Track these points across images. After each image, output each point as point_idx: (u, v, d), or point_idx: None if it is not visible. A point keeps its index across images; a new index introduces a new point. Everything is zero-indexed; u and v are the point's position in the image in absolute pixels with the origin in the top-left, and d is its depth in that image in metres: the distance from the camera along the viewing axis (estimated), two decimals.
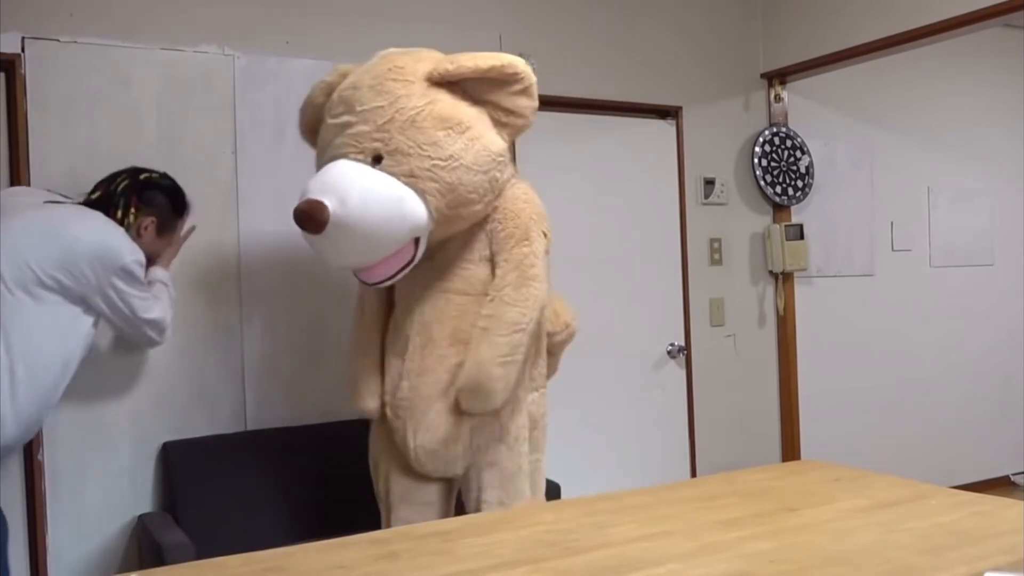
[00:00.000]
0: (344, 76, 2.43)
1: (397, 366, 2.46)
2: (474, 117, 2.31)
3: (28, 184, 2.75)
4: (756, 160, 4.25)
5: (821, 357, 4.47)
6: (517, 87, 2.33)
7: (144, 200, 2.58)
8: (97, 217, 2.46)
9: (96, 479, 2.85)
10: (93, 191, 2.58)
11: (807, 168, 4.39)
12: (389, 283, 2.39)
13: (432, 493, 2.55)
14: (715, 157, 4.18)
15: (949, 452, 4.88)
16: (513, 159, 3.63)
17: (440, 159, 2.24)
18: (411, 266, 2.35)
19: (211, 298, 3.04)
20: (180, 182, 2.84)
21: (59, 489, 2.80)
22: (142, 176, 2.62)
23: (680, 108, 4.07)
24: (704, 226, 4.15)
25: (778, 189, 4.30)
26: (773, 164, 4.29)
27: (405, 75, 2.28)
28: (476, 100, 2.32)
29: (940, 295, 4.95)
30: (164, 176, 2.68)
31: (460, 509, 2.60)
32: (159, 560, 2.43)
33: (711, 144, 4.16)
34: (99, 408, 2.86)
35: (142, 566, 2.74)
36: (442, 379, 2.38)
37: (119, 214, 2.53)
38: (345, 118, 2.30)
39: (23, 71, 2.77)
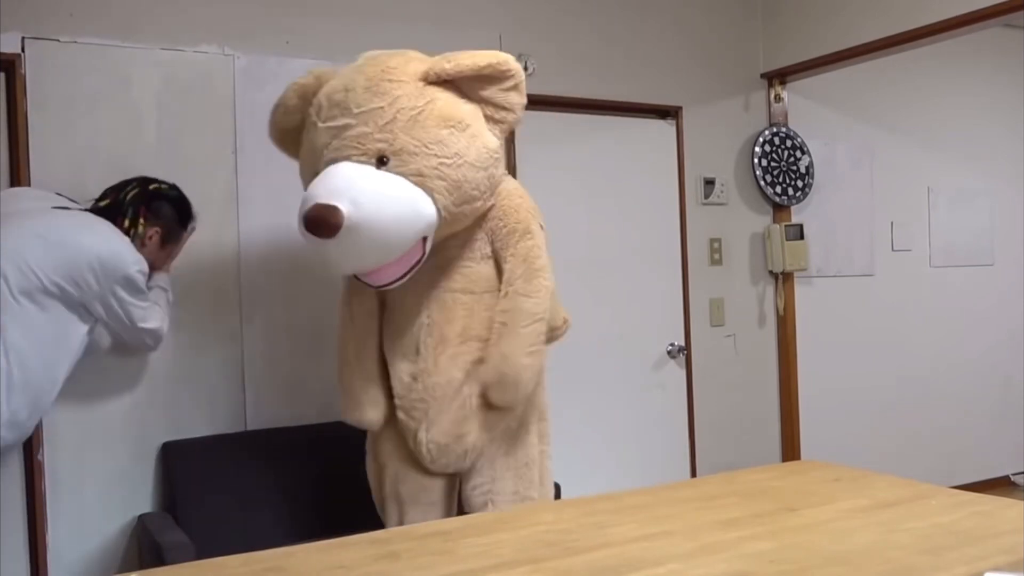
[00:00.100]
0: (319, 79, 2.39)
1: (407, 369, 2.46)
2: (471, 114, 2.32)
3: (28, 184, 2.75)
4: (756, 160, 4.25)
5: (821, 357, 4.47)
6: (509, 83, 2.34)
7: (152, 210, 2.60)
8: (104, 226, 2.47)
9: (96, 479, 2.85)
10: (102, 198, 2.59)
11: (807, 168, 4.39)
12: (397, 285, 2.36)
13: (437, 492, 2.56)
14: (715, 157, 4.18)
15: (949, 452, 4.88)
16: (512, 159, 3.66)
17: (446, 157, 2.24)
18: (419, 265, 2.35)
19: (211, 298, 3.04)
20: (180, 182, 2.85)
21: (59, 489, 2.80)
22: (151, 186, 2.64)
23: (680, 108, 4.07)
24: (704, 226, 4.15)
25: (778, 189, 4.30)
26: (773, 164, 4.29)
27: (399, 75, 2.27)
28: (470, 98, 2.33)
29: (940, 295, 4.95)
30: (173, 187, 2.70)
31: (460, 507, 2.60)
32: (159, 560, 2.43)
33: (711, 144, 4.16)
34: (99, 408, 2.86)
35: (142, 566, 2.74)
36: (456, 377, 2.42)
37: (126, 223, 2.55)
38: (342, 120, 2.26)
39: (23, 71, 2.77)
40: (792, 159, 4.34)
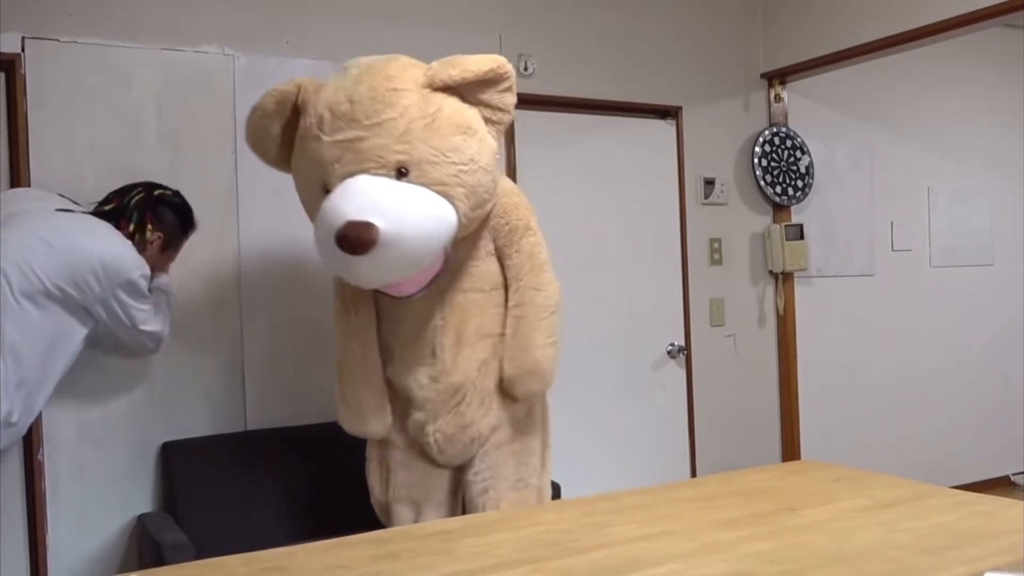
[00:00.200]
0: (301, 87, 2.33)
1: (424, 372, 2.46)
2: (475, 119, 2.32)
3: (28, 184, 2.75)
4: (756, 160, 4.25)
5: (821, 357, 4.47)
6: (505, 85, 2.35)
7: (155, 215, 2.60)
8: (107, 229, 2.47)
9: (96, 479, 2.85)
10: (106, 202, 2.60)
11: (807, 168, 4.39)
12: (420, 294, 2.37)
13: (447, 489, 2.59)
14: (715, 157, 4.18)
15: (949, 452, 4.88)
16: (512, 159, 3.66)
17: (463, 164, 2.25)
18: (441, 273, 2.37)
19: (211, 298, 3.04)
20: (180, 182, 2.86)
21: (59, 489, 2.80)
22: (156, 192, 2.65)
23: (680, 108, 4.07)
24: (704, 226, 4.15)
25: (778, 189, 4.30)
26: (773, 164, 4.29)
27: (403, 83, 2.24)
28: (469, 101, 2.33)
29: (940, 295, 4.95)
30: (176, 194, 2.71)
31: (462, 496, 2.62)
32: (159, 560, 2.43)
33: (711, 144, 4.16)
34: (99, 408, 2.86)
35: (142, 566, 2.74)
36: (471, 374, 2.45)
37: (131, 227, 2.55)
38: (352, 133, 2.19)
39: (23, 71, 2.77)
40: (792, 159, 4.34)
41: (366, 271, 2.21)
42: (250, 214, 3.11)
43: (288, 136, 2.39)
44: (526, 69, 3.63)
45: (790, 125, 4.37)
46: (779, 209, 4.34)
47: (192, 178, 2.97)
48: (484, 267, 2.47)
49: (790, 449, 4.35)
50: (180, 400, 2.98)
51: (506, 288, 2.51)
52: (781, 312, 4.35)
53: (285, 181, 3.10)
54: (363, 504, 2.67)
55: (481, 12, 3.58)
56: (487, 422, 2.49)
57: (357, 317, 2.53)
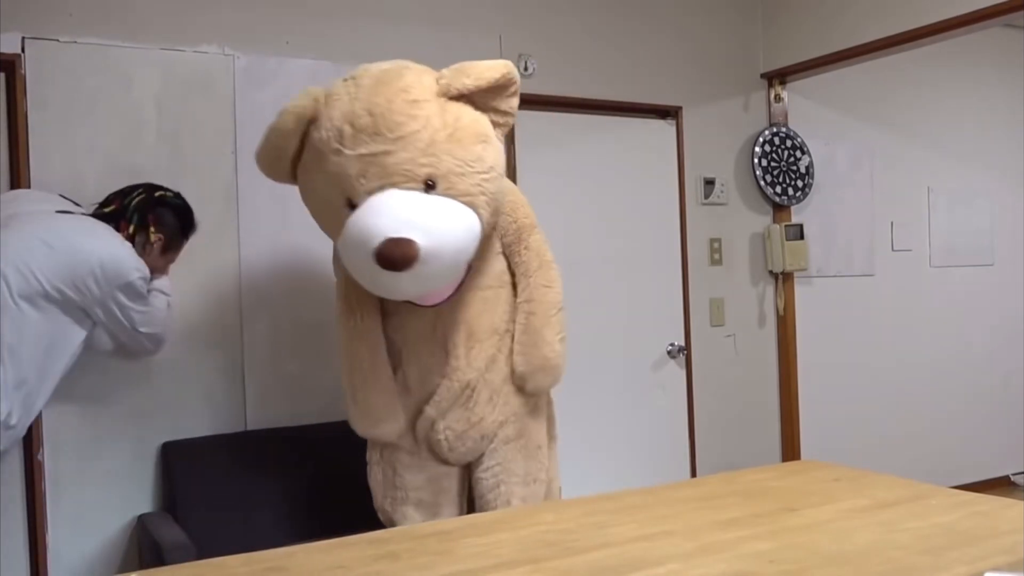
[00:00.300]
0: (318, 101, 2.27)
1: (437, 370, 2.48)
2: (487, 124, 2.34)
3: (28, 184, 2.75)
4: (756, 160, 4.25)
5: (821, 357, 4.47)
6: (512, 90, 2.36)
7: (156, 217, 2.60)
8: (106, 231, 2.47)
9: (96, 479, 2.85)
10: (106, 203, 2.59)
11: (807, 168, 4.39)
12: (447, 302, 2.40)
13: (456, 489, 2.60)
14: (715, 157, 4.18)
15: (949, 452, 4.88)
16: (512, 160, 3.65)
17: (485, 172, 2.27)
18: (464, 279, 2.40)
19: (211, 298, 3.04)
20: (180, 182, 2.86)
21: (59, 489, 2.80)
22: (157, 194, 2.64)
23: (680, 108, 4.07)
24: (704, 226, 4.15)
25: (778, 189, 4.30)
26: (773, 164, 4.29)
27: (421, 94, 2.23)
28: (478, 107, 2.33)
29: (940, 295, 4.95)
30: (177, 195, 2.71)
31: (470, 493, 2.63)
32: (159, 560, 2.43)
33: (711, 144, 4.16)
34: (99, 408, 2.86)
35: (142, 566, 2.74)
36: (481, 369, 2.48)
37: (131, 229, 2.54)
38: (378, 147, 2.16)
39: (23, 71, 2.77)
40: (792, 159, 4.34)
41: (405, 286, 2.23)
42: (250, 214, 3.11)
43: (298, 150, 2.35)
44: (526, 69, 3.63)
45: (790, 125, 4.37)
46: (779, 209, 4.34)
47: (192, 178, 2.97)
48: (493, 264, 2.51)
49: (790, 449, 4.35)
50: (180, 400, 2.98)
51: (513, 285, 2.54)
52: (781, 312, 4.35)
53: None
54: (363, 504, 2.67)
55: (481, 12, 3.58)
56: (495, 418, 2.51)
57: (363, 319, 2.52)
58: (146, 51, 2.96)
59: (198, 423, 3.00)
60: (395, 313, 2.53)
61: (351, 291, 2.50)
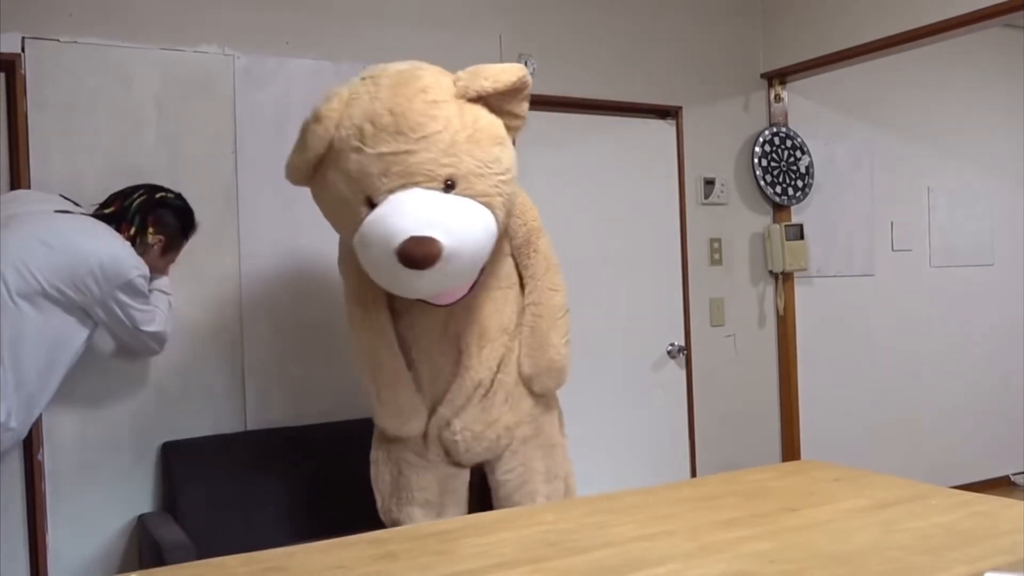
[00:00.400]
0: (345, 102, 2.24)
1: (449, 368, 2.50)
2: (502, 126, 2.36)
3: (29, 184, 2.75)
4: (756, 160, 4.25)
5: (821, 357, 4.47)
6: (525, 93, 2.39)
7: (156, 219, 2.60)
8: (106, 231, 2.47)
9: (96, 479, 2.85)
10: (107, 204, 2.59)
11: (807, 168, 4.39)
12: (462, 301, 2.41)
13: (464, 489, 2.61)
14: (715, 157, 4.18)
15: (949, 452, 4.88)
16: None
17: (501, 174, 2.29)
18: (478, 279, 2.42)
19: (211, 298, 3.04)
20: (180, 182, 2.86)
21: (59, 489, 2.80)
22: (158, 195, 2.64)
23: (680, 108, 4.07)
24: (704, 226, 4.15)
25: (778, 189, 4.30)
26: (773, 164, 4.29)
27: (440, 94, 2.25)
28: (492, 109, 2.35)
29: (940, 295, 4.95)
30: (178, 196, 2.71)
31: (488, 497, 2.64)
32: (159, 560, 2.43)
33: (711, 144, 4.16)
34: (99, 408, 2.86)
35: (142, 566, 2.74)
36: (492, 368, 2.50)
37: (132, 230, 2.54)
38: (400, 146, 2.17)
39: (23, 71, 2.77)
40: (792, 159, 4.34)
41: (425, 284, 2.24)
42: (250, 214, 3.11)
43: None
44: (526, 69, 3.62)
45: (790, 125, 4.37)
46: (779, 209, 4.34)
47: (192, 178, 2.97)
48: (502, 265, 2.53)
49: (790, 449, 4.35)
50: (180, 400, 2.98)
51: (521, 286, 2.57)
52: (781, 312, 4.35)
53: (285, 181, 3.10)
54: (363, 504, 2.67)
55: (481, 12, 3.58)
56: (511, 418, 2.54)
57: (379, 319, 2.53)
58: (146, 51, 2.96)
59: (198, 423, 3.00)
60: (406, 313, 2.53)
61: (365, 292, 2.49)
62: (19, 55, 2.76)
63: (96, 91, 2.88)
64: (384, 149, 2.18)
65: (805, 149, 4.38)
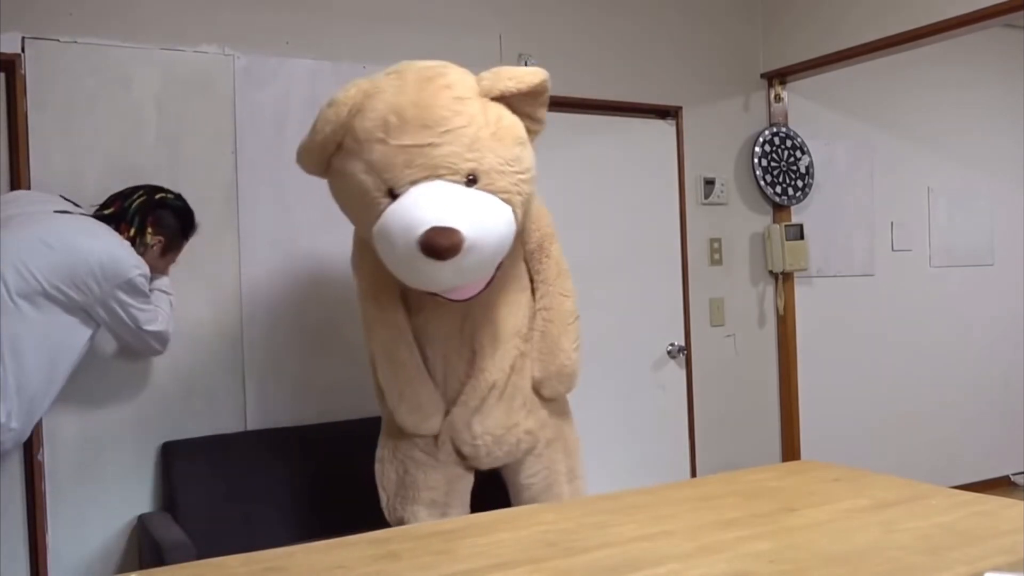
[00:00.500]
0: (365, 92, 2.26)
1: (463, 368, 2.51)
2: (523, 128, 2.37)
3: (29, 184, 2.75)
4: (756, 160, 4.25)
5: (821, 357, 4.47)
6: (545, 97, 2.41)
7: (156, 220, 2.60)
8: (106, 231, 2.47)
9: (96, 479, 2.85)
10: (107, 205, 2.59)
11: (807, 168, 4.39)
12: (477, 297, 2.41)
13: (466, 494, 2.61)
14: (715, 157, 4.18)
15: (949, 452, 4.88)
16: None
17: (522, 173, 2.31)
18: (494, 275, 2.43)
19: (211, 298, 3.04)
20: (180, 182, 2.86)
21: (59, 489, 2.80)
22: (158, 196, 2.64)
23: (680, 108, 4.07)
24: (704, 226, 4.15)
25: (778, 189, 4.30)
26: (773, 164, 4.29)
27: (463, 92, 2.27)
28: (513, 111, 2.36)
29: (940, 295, 4.95)
30: (178, 197, 2.71)
31: (489, 503, 2.63)
32: (159, 560, 2.43)
33: (711, 144, 4.16)
34: (99, 408, 2.86)
35: (142, 566, 2.74)
36: (505, 369, 2.51)
37: (132, 231, 2.55)
38: (424, 139, 2.19)
39: (23, 71, 2.77)
40: (792, 159, 4.34)
41: (447, 276, 2.23)
42: (250, 214, 3.11)
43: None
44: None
45: (790, 125, 4.37)
46: (779, 209, 4.34)
47: (192, 178, 2.97)
48: (514, 269, 2.55)
49: (790, 449, 4.35)
50: (180, 400, 2.98)
51: (532, 290, 2.59)
52: (781, 312, 4.35)
53: (285, 180, 3.11)
54: (364, 504, 2.67)
55: (481, 12, 3.58)
56: (531, 422, 2.56)
57: (397, 317, 2.53)
58: (146, 51, 2.96)
59: (198, 423, 3.00)
60: (420, 311, 2.53)
61: (380, 290, 2.50)
62: (19, 55, 2.76)
63: (96, 91, 2.88)
64: (408, 141, 2.19)
65: (805, 149, 4.38)
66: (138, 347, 2.64)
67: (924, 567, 1.47)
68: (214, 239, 3.01)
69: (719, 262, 4.19)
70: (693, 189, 4.11)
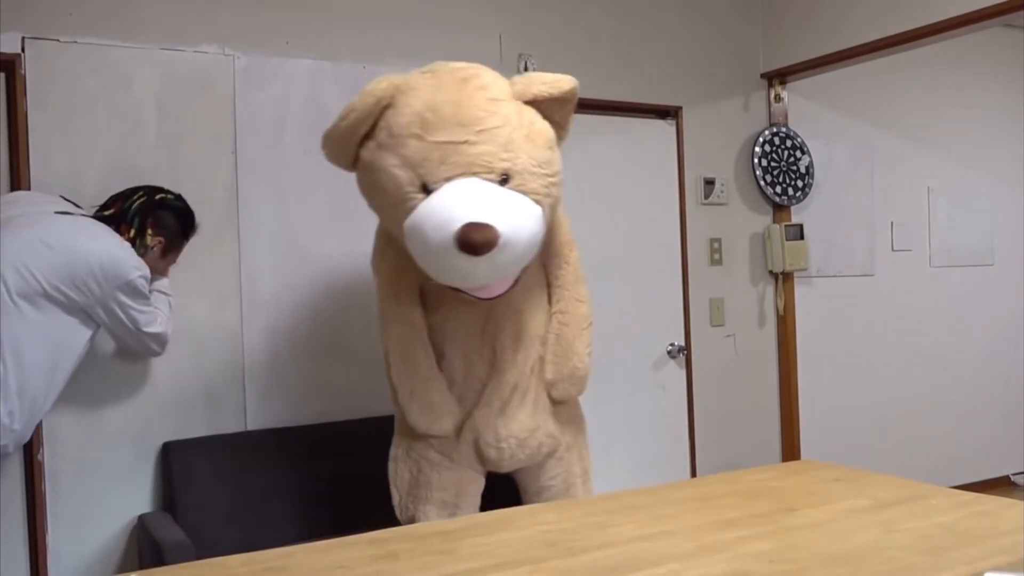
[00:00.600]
0: (397, 87, 2.28)
1: (483, 370, 2.52)
2: (553, 132, 2.40)
3: (29, 184, 2.75)
4: (756, 160, 4.25)
5: (821, 357, 4.47)
6: (573, 104, 2.44)
7: (156, 221, 2.60)
8: (106, 232, 2.47)
9: (96, 479, 2.85)
10: (107, 206, 2.60)
11: (807, 168, 4.39)
12: (504, 295, 2.41)
13: (477, 496, 2.62)
14: (715, 157, 4.18)
15: (949, 452, 4.88)
16: None
17: (552, 175, 2.35)
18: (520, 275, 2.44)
19: (211, 298, 3.04)
20: (180, 182, 2.86)
21: (59, 489, 2.80)
22: (158, 196, 2.64)
23: (680, 108, 4.07)
24: (704, 226, 4.15)
25: (778, 189, 4.30)
26: (773, 164, 4.29)
27: (497, 94, 2.31)
28: (542, 115, 2.39)
29: (940, 295, 4.95)
30: (178, 197, 2.71)
31: (512, 501, 2.65)
32: (159, 560, 2.43)
33: (711, 144, 4.16)
34: (99, 408, 2.86)
35: (142, 566, 2.74)
36: (525, 372, 2.53)
37: (131, 232, 2.55)
38: (459, 136, 2.22)
39: (23, 71, 2.77)
40: (792, 159, 4.34)
41: (480, 272, 2.24)
42: (250, 214, 3.11)
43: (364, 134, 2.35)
44: (526, 69, 3.63)
45: (790, 125, 4.37)
46: (779, 209, 4.34)
47: (192, 178, 2.97)
48: (538, 271, 2.58)
49: (790, 449, 4.35)
50: (180, 400, 2.98)
51: (549, 295, 2.62)
52: (781, 312, 4.35)
53: (285, 180, 3.12)
54: (364, 504, 2.68)
55: (481, 12, 3.58)
56: (553, 426, 2.59)
57: (416, 317, 2.53)
58: (146, 51, 2.96)
59: (198, 423, 3.00)
60: (440, 308, 2.53)
61: (400, 288, 2.51)
62: (19, 55, 2.76)
63: (96, 91, 2.88)
64: (444, 138, 2.22)
65: (805, 149, 4.38)
66: (137, 348, 2.65)
67: (924, 567, 1.48)
68: (214, 239, 3.01)
69: (719, 262, 4.19)
70: (693, 189, 4.11)
